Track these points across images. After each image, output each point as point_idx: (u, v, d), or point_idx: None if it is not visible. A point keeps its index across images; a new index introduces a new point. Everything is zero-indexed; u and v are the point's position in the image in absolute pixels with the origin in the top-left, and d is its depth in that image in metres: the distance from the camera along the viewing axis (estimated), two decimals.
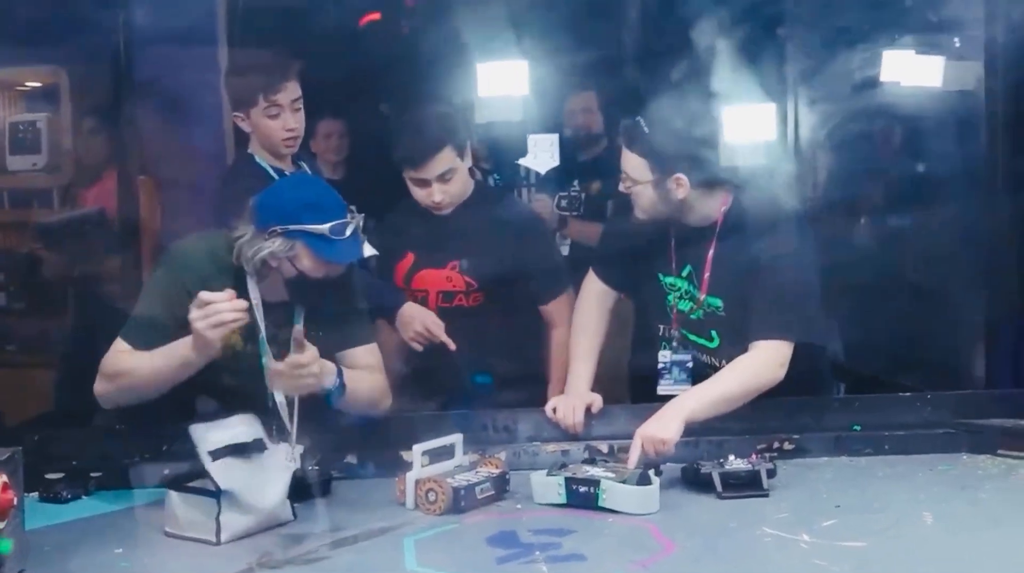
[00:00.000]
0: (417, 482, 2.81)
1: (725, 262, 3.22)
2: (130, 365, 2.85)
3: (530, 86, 5.23)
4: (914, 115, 4.83)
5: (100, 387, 2.90)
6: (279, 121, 3.52)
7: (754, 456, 2.96)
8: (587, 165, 5.32)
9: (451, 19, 5.52)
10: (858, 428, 3.26)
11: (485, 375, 3.12)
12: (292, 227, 2.81)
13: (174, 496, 2.66)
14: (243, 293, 2.83)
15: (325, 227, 2.81)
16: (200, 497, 2.61)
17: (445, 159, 3.42)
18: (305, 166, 3.71)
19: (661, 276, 3.34)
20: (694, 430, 3.20)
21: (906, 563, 2.37)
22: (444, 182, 3.44)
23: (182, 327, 2.75)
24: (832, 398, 3.41)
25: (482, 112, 5.56)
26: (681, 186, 3.14)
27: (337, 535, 2.63)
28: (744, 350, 3.13)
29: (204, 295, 2.70)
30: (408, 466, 2.87)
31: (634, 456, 2.92)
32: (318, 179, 3.05)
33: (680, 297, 3.32)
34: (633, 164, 3.17)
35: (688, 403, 3.04)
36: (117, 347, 2.89)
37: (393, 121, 4.87)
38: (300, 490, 2.78)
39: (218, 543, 2.58)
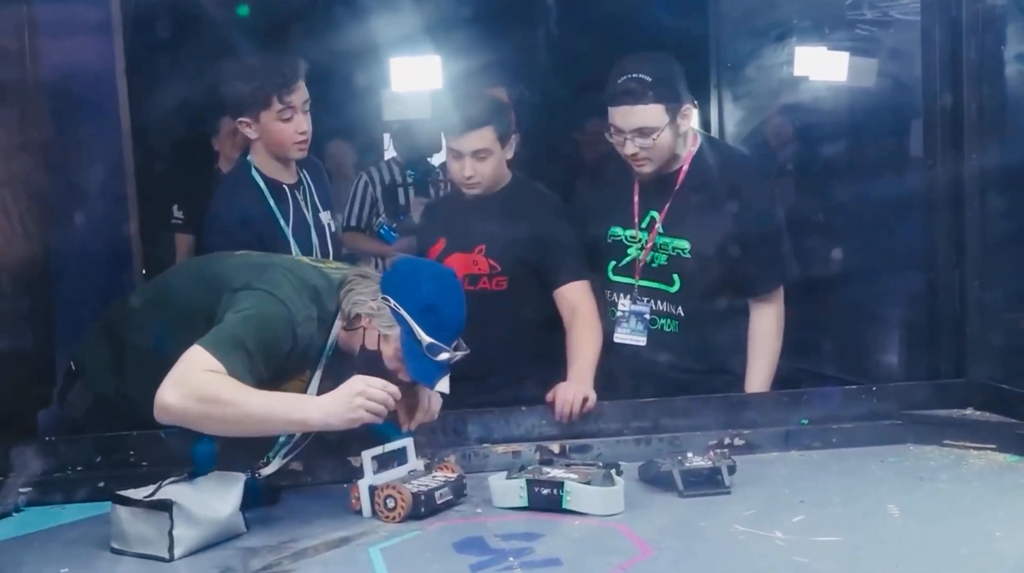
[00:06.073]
0: (374, 489, 2.70)
1: (691, 203, 3.40)
2: (236, 397, 2.54)
3: (442, 81, 5.19)
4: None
5: (181, 403, 2.51)
6: (292, 124, 3.38)
7: (712, 453, 2.92)
8: None
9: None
10: (806, 422, 3.26)
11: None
12: (402, 313, 2.70)
13: (121, 510, 2.50)
14: (325, 330, 2.78)
15: (426, 339, 2.69)
16: (150, 511, 2.47)
17: (484, 137, 3.44)
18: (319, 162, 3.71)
19: (621, 230, 3.49)
20: (644, 428, 3.22)
21: (888, 556, 2.34)
22: (478, 159, 3.45)
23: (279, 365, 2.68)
24: (779, 393, 3.38)
25: (394, 108, 5.53)
26: (687, 116, 3.36)
27: (295, 546, 2.52)
28: (709, 294, 3.44)
29: (389, 390, 2.63)
30: (358, 472, 2.77)
31: None
32: (460, 290, 2.85)
33: (641, 247, 3.46)
34: (650, 115, 3.28)
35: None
36: (207, 365, 2.54)
37: None
38: (249, 500, 2.65)
39: (171, 559, 2.44)
